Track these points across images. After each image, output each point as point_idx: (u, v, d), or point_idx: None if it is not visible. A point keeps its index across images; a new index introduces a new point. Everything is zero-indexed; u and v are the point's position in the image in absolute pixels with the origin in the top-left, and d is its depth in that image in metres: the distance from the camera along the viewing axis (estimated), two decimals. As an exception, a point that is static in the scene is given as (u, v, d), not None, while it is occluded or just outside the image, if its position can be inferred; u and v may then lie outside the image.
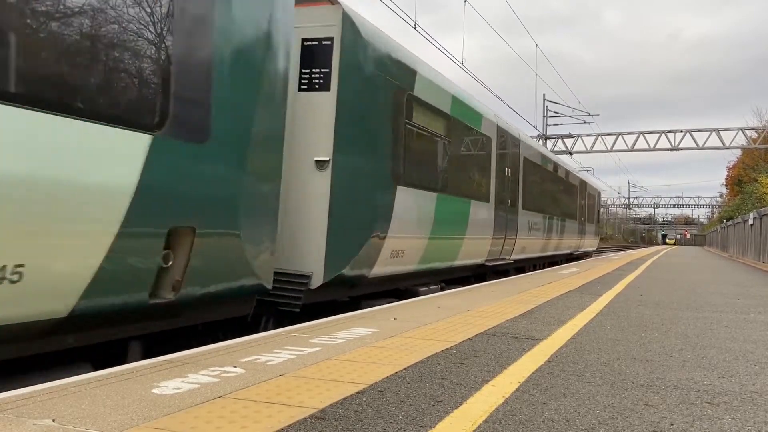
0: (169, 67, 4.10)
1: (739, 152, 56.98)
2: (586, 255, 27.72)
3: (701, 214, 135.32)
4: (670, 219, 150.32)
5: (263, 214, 5.27)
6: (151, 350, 4.38)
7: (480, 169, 11.48)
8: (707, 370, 3.88)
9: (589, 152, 39.78)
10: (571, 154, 39.96)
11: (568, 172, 21.71)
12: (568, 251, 22.61)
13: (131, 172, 3.80)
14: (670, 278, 13.27)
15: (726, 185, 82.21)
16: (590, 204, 27.11)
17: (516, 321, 5.70)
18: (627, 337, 5.00)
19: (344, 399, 2.91)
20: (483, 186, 11.57)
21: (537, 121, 45.83)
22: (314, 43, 6.57)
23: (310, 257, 6.46)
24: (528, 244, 15.39)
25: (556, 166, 19.38)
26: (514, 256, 14.24)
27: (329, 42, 6.53)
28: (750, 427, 2.70)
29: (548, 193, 18.07)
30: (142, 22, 3.93)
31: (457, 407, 2.84)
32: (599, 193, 31.86)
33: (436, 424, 2.60)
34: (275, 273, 5.74)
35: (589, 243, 27.61)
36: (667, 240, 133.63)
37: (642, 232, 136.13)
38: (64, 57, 3.47)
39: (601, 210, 35.09)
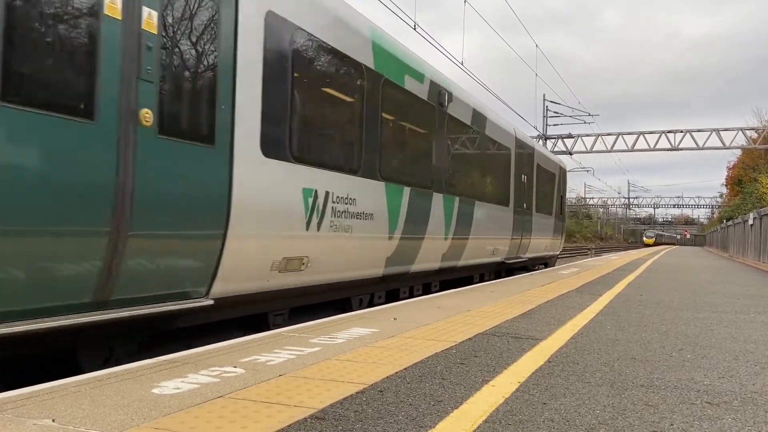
0: None
1: (739, 152, 57.05)
2: (539, 263, 18.01)
3: (701, 214, 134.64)
4: (670, 219, 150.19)
5: None
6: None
7: None
8: (707, 370, 3.88)
9: (589, 152, 39.73)
10: (571, 154, 39.94)
11: (481, 118, 11.52)
12: (497, 259, 13.19)
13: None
14: (671, 278, 13.27)
15: (726, 185, 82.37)
16: (544, 184, 17.15)
17: (516, 321, 5.70)
18: (627, 337, 5.00)
19: (344, 399, 2.91)
20: None
21: (537, 121, 45.86)
22: None
23: None
24: (328, 250, 6.54)
25: (445, 96, 9.65)
26: (278, 282, 5.84)
27: None
28: (750, 427, 2.70)
29: (422, 144, 9.16)
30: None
31: (457, 407, 2.84)
32: (563, 171, 20.49)
33: (436, 424, 2.60)
34: None
35: (544, 244, 17.57)
36: (645, 238, 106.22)
37: (642, 232, 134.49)
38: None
39: (566, 196, 22.49)
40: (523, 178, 14.92)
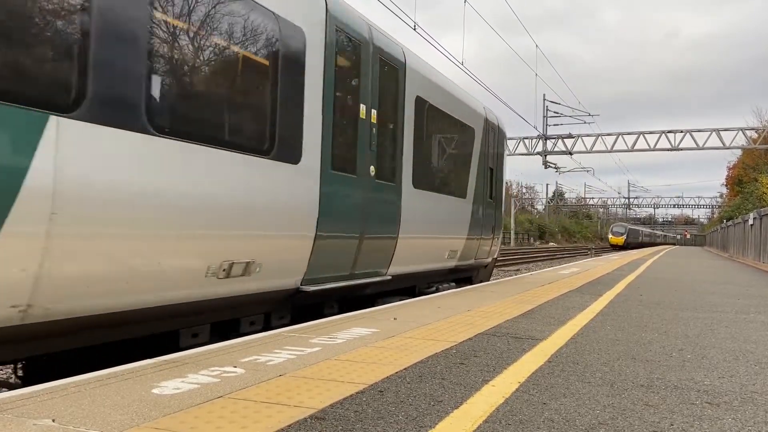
0: None
1: (739, 152, 57.10)
2: (445, 280, 10.75)
3: (701, 214, 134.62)
4: (670, 219, 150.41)
5: None
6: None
7: None
8: (707, 370, 3.88)
9: (589, 152, 39.77)
10: (571, 154, 39.97)
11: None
12: (280, 283, 5.86)
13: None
14: (671, 278, 13.26)
15: (726, 185, 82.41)
16: (443, 140, 10.01)
17: (516, 321, 5.70)
18: (627, 337, 5.00)
19: (344, 399, 2.91)
20: None
21: (537, 121, 45.88)
22: None
23: None
24: None
25: None
26: None
27: None
28: (750, 427, 2.70)
29: None
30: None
31: (457, 407, 2.84)
32: (496, 131, 12.59)
33: (436, 424, 2.60)
34: None
35: (448, 248, 10.11)
36: (610, 236, 70.93)
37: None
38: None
39: (505, 174, 13.50)
40: (367, 112, 7.22)
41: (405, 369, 3.58)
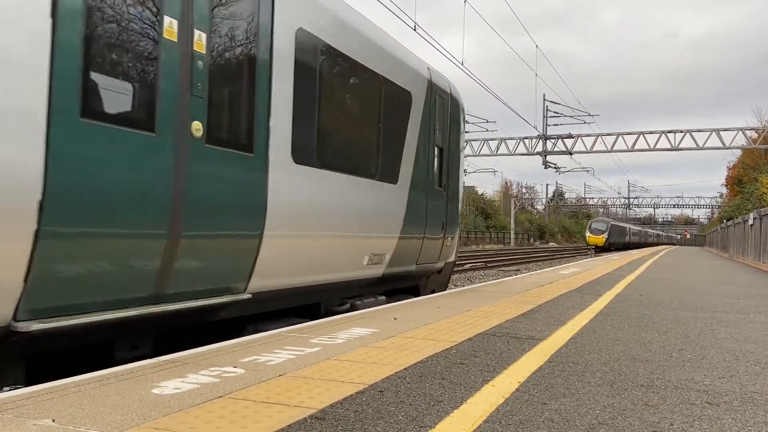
0: None
1: (739, 152, 57.12)
2: (367, 294, 7.75)
3: (701, 215, 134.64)
4: (670, 219, 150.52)
5: None
6: None
7: None
8: (707, 370, 3.88)
9: (589, 152, 39.81)
10: (571, 154, 39.99)
11: None
12: None
13: None
14: (671, 278, 13.27)
15: (726, 185, 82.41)
16: (381, 112, 7.40)
17: (516, 321, 5.70)
18: (627, 337, 5.00)
19: (344, 399, 2.92)
20: None
21: (537, 121, 45.88)
22: None
23: None
24: None
25: None
26: None
27: None
28: (750, 428, 2.70)
29: None
30: None
31: (457, 407, 2.84)
32: (450, 103, 9.71)
33: (436, 424, 2.60)
34: None
35: (369, 250, 7.36)
36: (588, 235, 59.00)
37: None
38: None
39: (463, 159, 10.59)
40: (184, 31, 4.43)
41: (405, 369, 3.58)
